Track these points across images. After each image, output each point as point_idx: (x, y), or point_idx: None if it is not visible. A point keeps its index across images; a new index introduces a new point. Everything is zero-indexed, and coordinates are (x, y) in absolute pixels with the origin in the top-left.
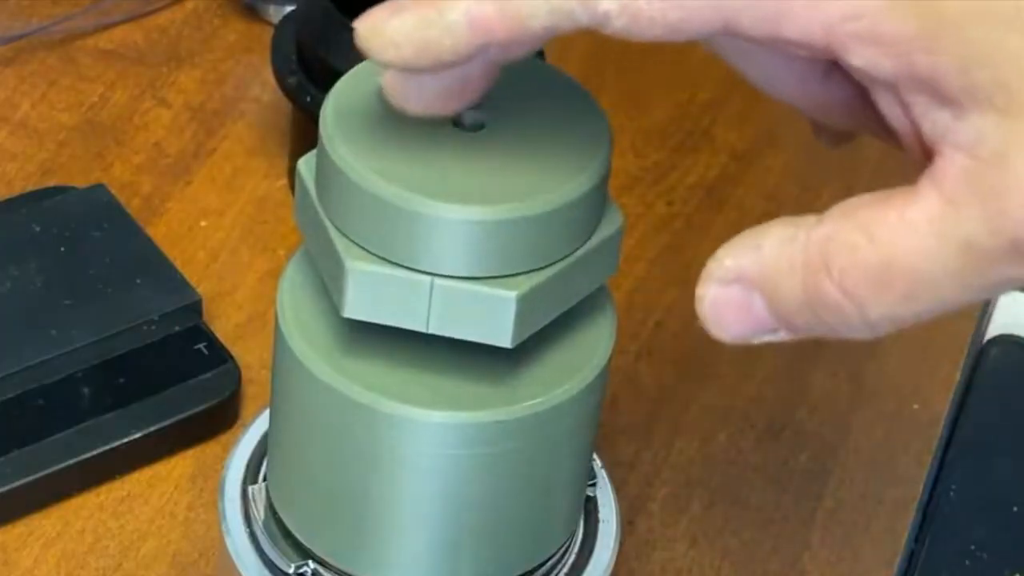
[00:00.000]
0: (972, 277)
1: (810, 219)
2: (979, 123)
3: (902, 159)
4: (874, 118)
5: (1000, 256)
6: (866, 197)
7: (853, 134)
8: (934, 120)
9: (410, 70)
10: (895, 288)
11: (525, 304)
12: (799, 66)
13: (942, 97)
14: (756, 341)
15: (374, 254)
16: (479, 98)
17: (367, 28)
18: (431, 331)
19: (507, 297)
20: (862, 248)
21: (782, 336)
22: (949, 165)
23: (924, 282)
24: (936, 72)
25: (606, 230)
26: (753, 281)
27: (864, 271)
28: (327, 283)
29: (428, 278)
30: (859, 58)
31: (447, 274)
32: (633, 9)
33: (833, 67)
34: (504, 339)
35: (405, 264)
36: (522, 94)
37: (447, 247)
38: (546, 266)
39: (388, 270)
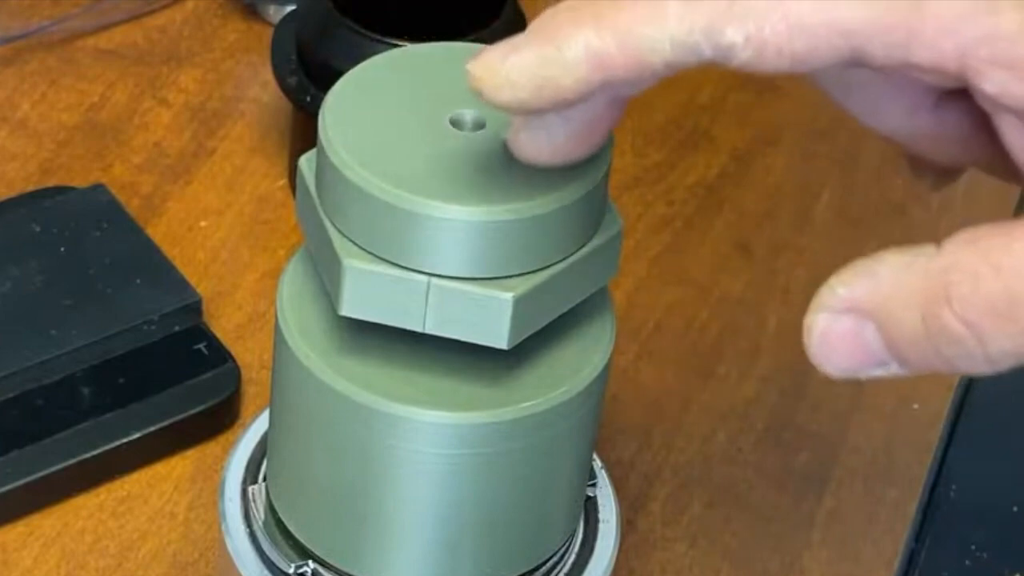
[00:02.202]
0: None
1: (929, 248)
2: None
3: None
4: (986, 151)
5: None
6: (990, 226)
7: (957, 171)
8: None
9: (526, 112)
10: (1020, 321)
11: (522, 306)
12: (910, 97)
13: None
14: (864, 376)
15: (372, 253)
16: (608, 136)
17: (482, 68)
18: (427, 331)
19: (504, 298)
20: (986, 278)
21: (893, 371)
22: None
23: None
24: None
25: (605, 233)
26: (868, 311)
27: (988, 302)
28: (325, 281)
29: (425, 278)
30: (992, 84)
31: (444, 274)
32: (758, 41)
33: (944, 97)
34: (500, 340)
35: (402, 264)
36: None
37: (444, 247)
38: (544, 268)
39: (385, 269)
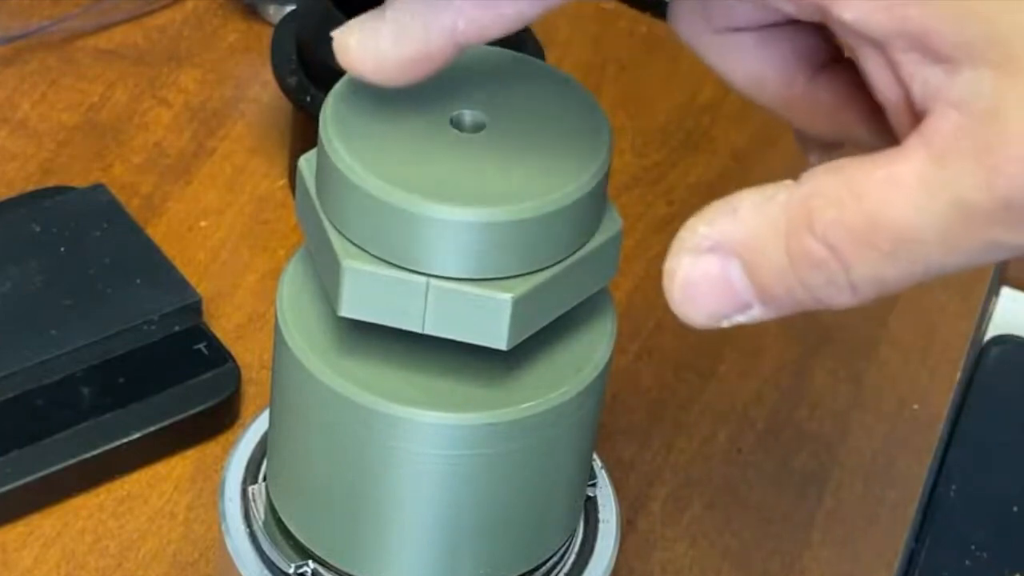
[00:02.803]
0: (961, 238)
1: (788, 181)
2: (973, 79)
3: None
4: (862, 123)
5: (991, 215)
6: (852, 157)
7: (839, 144)
8: (926, 79)
9: None
10: (881, 246)
11: (521, 306)
12: (786, 65)
13: (935, 53)
14: (726, 323)
15: (371, 254)
16: (432, 74)
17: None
18: (427, 332)
19: (503, 299)
20: (847, 204)
21: (755, 315)
22: (940, 122)
23: (911, 241)
24: (929, 27)
25: (605, 234)
26: (732, 247)
27: (849, 227)
28: (324, 282)
29: (424, 279)
30: (851, 12)
31: (443, 275)
32: None
33: (820, 69)
34: (500, 341)
35: (402, 264)
36: (522, 95)
37: (444, 248)
38: (543, 269)
39: (384, 270)
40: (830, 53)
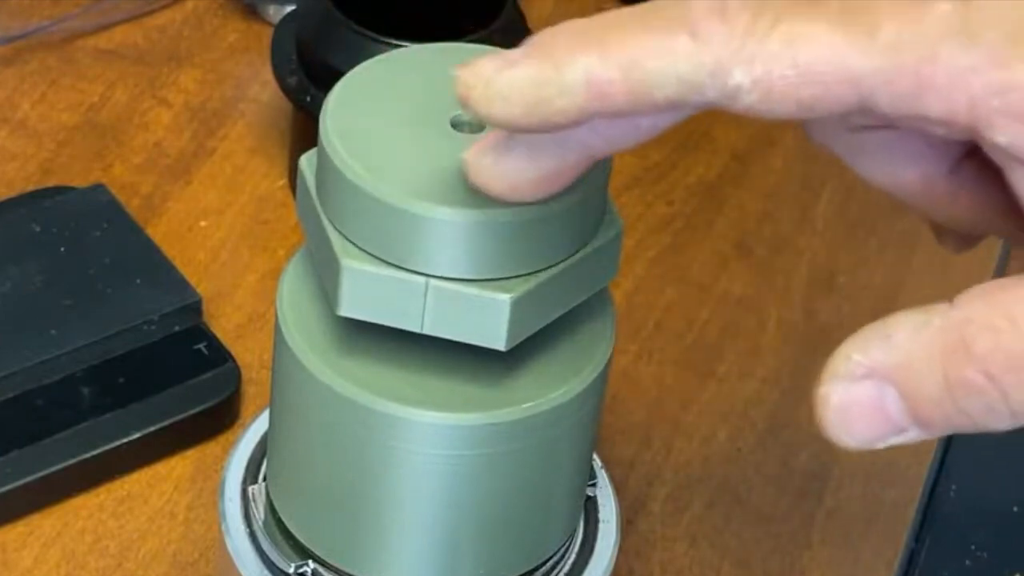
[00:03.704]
0: None
1: (941, 305)
2: None
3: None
4: (1003, 215)
5: None
6: (998, 281)
7: (979, 236)
8: None
9: (513, 129)
10: None
11: (520, 307)
12: (924, 162)
13: None
14: (881, 445)
15: (370, 254)
16: (562, 190)
17: (474, 77)
18: (426, 332)
19: (501, 300)
20: (1004, 331)
21: (911, 437)
22: None
23: None
24: None
25: (605, 234)
26: (887, 374)
27: (1008, 355)
28: (324, 281)
29: (423, 279)
30: (1004, 135)
31: (443, 275)
32: (766, 85)
33: (960, 162)
34: (498, 342)
35: (401, 264)
36: None
37: (443, 249)
38: (543, 269)
39: (383, 270)
40: (967, 149)
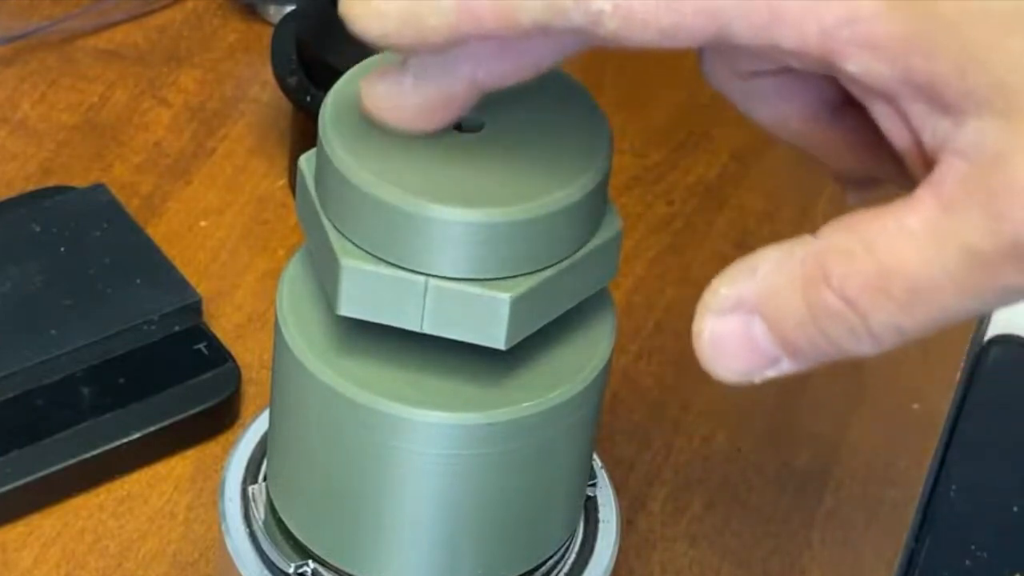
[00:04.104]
0: (973, 284)
1: (805, 237)
2: (978, 127)
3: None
4: (887, 156)
5: (1001, 261)
6: (863, 210)
7: (875, 181)
8: (934, 128)
9: (390, 47)
10: (895, 296)
11: (519, 306)
12: (806, 104)
13: (941, 103)
14: (758, 378)
15: (370, 253)
16: (453, 121)
17: None
18: (425, 331)
19: (501, 299)
20: (860, 256)
21: (785, 368)
22: (948, 171)
23: (925, 290)
24: (934, 76)
25: (605, 234)
26: (753, 305)
27: (864, 278)
28: (323, 281)
29: (423, 278)
30: (855, 64)
31: (442, 275)
32: (626, 10)
33: (842, 105)
34: (498, 341)
35: (400, 264)
36: (522, 95)
37: (442, 248)
38: (542, 269)
39: (383, 269)
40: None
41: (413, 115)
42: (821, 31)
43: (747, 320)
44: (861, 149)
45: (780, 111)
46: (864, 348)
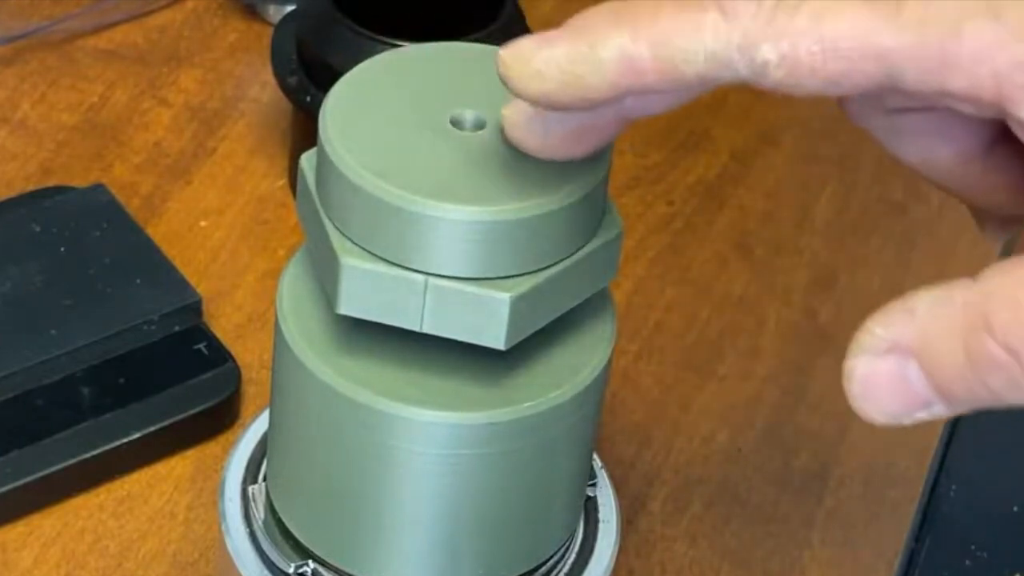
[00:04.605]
0: None
1: (964, 280)
2: None
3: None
4: None
5: None
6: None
7: (1018, 219)
8: None
9: (549, 105)
10: None
11: (519, 306)
12: (959, 143)
13: None
14: (907, 420)
15: (370, 252)
16: (596, 150)
17: (512, 56)
18: (425, 331)
19: (501, 299)
20: None
21: (937, 412)
22: None
23: None
24: None
25: (605, 235)
26: (910, 348)
27: None
28: (323, 280)
29: (423, 277)
30: None
31: (442, 274)
32: (793, 60)
33: (997, 143)
34: (498, 341)
35: (400, 263)
36: None
37: (442, 247)
38: (542, 269)
39: (382, 268)
40: (1003, 129)
41: (558, 146)
42: (995, 76)
43: (903, 363)
44: (1012, 189)
45: (929, 149)
46: None
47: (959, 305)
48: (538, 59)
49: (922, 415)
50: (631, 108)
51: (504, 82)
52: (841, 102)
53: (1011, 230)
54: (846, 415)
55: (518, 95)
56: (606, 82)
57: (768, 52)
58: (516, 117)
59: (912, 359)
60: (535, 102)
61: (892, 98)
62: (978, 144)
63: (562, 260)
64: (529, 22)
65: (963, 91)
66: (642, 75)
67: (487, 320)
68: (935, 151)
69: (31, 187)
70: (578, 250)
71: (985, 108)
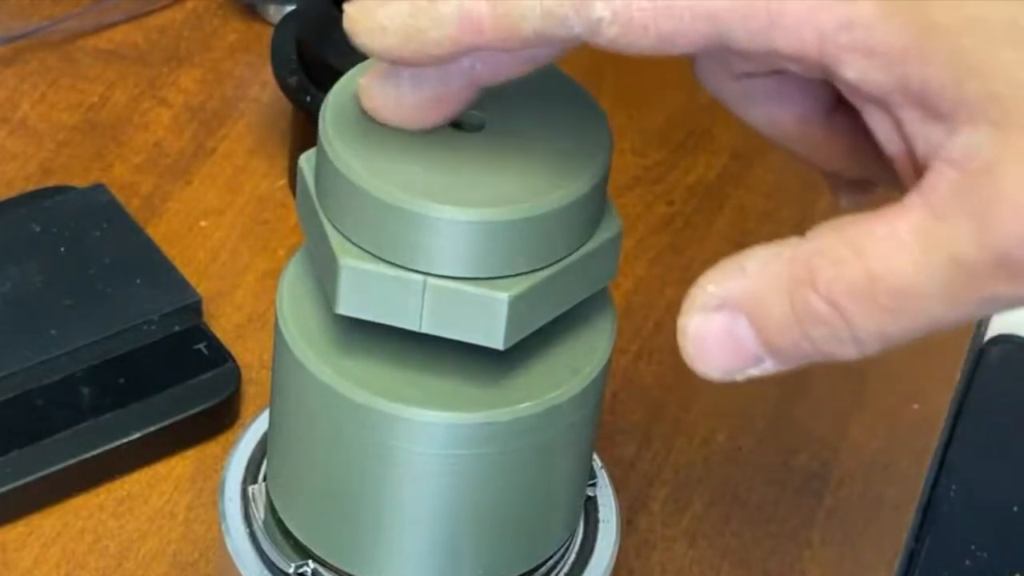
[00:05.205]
0: (960, 293)
1: (794, 239)
2: (971, 136)
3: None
4: (875, 159)
5: (987, 271)
6: (853, 215)
7: (867, 183)
8: (927, 136)
9: (394, 61)
10: (882, 302)
11: (518, 306)
12: (799, 105)
13: (934, 111)
14: (740, 377)
15: (369, 252)
16: (453, 117)
17: (356, 10)
18: (424, 330)
19: (499, 299)
20: (848, 261)
21: (768, 367)
22: (939, 179)
23: (911, 297)
24: (929, 84)
25: (604, 234)
26: (739, 303)
27: (850, 284)
28: (322, 280)
29: (421, 277)
30: (852, 70)
31: (441, 274)
32: (625, 17)
33: (836, 106)
34: (496, 341)
35: (399, 263)
36: (522, 94)
37: (441, 247)
38: (541, 268)
39: (381, 268)
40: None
41: (412, 113)
42: (819, 36)
43: (732, 319)
44: (853, 152)
45: (773, 113)
46: (847, 352)
47: (787, 261)
48: (381, 13)
49: (754, 371)
50: (480, 73)
51: (350, 37)
52: (693, 68)
53: (862, 194)
54: (846, 415)
55: (362, 49)
56: (447, 37)
57: (601, 9)
58: (371, 85)
59: (741, 315)
60: (379, 56)
61: (736, 63)
62: (818, 107)
63: (561, 260)
64: None
65: (790, 51)
66: (481, 31)
67: (486, 320)
68: (779, 114)
69: (31, 187)
70: (577, 250)
71: (813, 68)
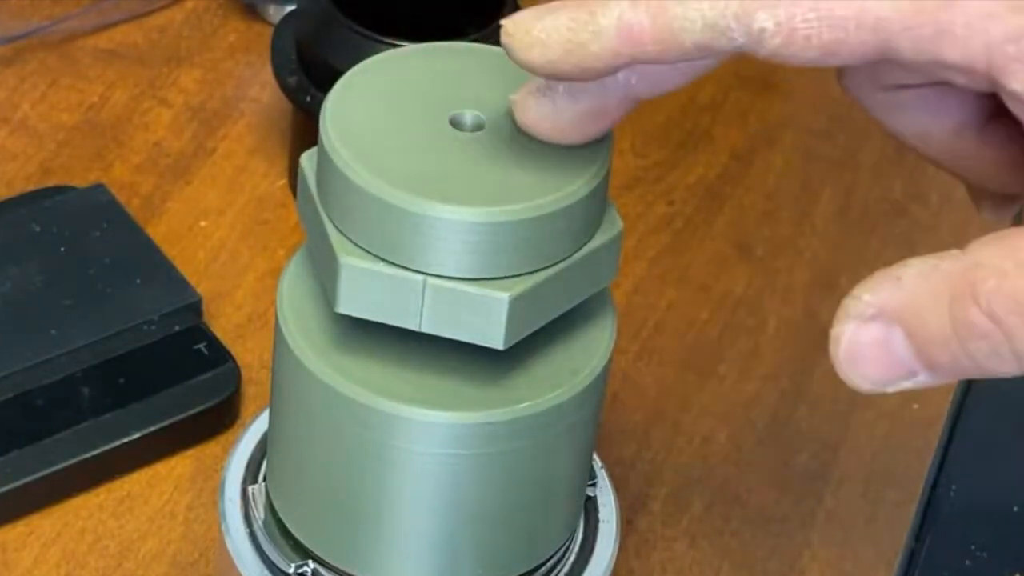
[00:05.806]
0: None
1: (953, 251)
2: None
3: (901, 160)
4: None
5: None
6: (1016, 227)
7: (1014, 198)
8: None
9: (551, 75)
10: None
11: (518, 306)
12: (953, 117)
13: None
14: (891, 389)
15: (369, 252)
16: (607, 130)
17: (514, 25)
18: (424, 330)
19: (499, 299)
20: (1010, 274)
21: (921, 381)
22: None
23: None
24: None
25: (604, 235)
26: (895, 315)
27: (1014, 297)
28: (323, 279)
29: (421, 277)
30: (1019, 82)
31: (441, 274)
32: (788, 28)
33: (992, 118)
34: (496, 341)
35: (399, 263)
36: None
37: (441, 247)
38: (541, 269)
39: (381, 268)
40: (999, 105)
41: (569, 128)
42: (987, 47)
43: (887, 330)
44: (1007, 165)
45: (924, 124)
46: (1007, 369)
47: (946, 273)
48: (539, 27)
49: (906, 384)
50: (637, 87)
51: (507, 52)
52: (839, 77)
53: (1008, 210)
54: (846, 415)
55: (520, 64)
56: (607, 49)
57: (764, 20)
58: (526, 101)
59: (897, 326)
60: (537, 71)
61: (889, 74)
62: (974, 119)
63: (561, 260)
64: None
65: (956, 62)
66: (641, 43)
67: (486, 320)
68: (931, 126)
69: (31, 187)
70: (578, 250)
71: (978, 80)
